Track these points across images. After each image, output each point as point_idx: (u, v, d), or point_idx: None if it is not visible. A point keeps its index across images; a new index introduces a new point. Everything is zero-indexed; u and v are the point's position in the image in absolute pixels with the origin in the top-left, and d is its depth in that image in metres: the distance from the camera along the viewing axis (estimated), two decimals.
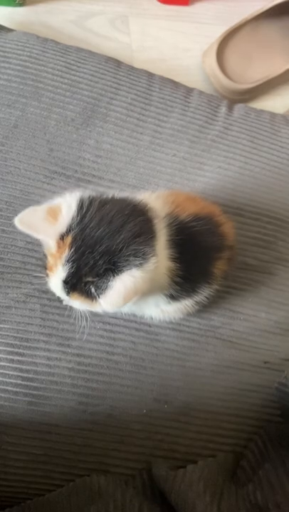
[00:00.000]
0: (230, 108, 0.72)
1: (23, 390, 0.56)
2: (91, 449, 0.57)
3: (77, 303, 0.46)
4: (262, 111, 0.74)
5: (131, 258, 0.42)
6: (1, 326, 0.57)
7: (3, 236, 0.61)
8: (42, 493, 0.55)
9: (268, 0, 0.86)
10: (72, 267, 0.43)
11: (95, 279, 0.43)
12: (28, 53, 0.64)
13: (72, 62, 0.66)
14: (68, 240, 0.43)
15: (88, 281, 0.43)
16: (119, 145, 0.65)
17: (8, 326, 0.57)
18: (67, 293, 0.45)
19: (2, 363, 0.56)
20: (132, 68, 0.70)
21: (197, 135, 0.68)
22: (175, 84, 0.72)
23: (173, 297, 0.51)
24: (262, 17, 0.87)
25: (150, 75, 0.70)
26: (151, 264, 0.42)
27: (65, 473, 0.56)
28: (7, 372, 0.56)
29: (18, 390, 0.55)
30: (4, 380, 0.55)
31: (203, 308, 0.62)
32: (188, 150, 0.67)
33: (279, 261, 0.69)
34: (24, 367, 0.56)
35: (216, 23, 0.91)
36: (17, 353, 0.57)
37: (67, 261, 0.43)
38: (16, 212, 0.60)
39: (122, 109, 0.65)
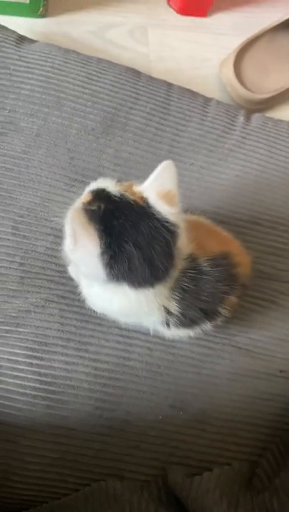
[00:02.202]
0: (247, 118, 0.73)
1: (42, 394, 0.56)
2: (107, 453, 0.57)
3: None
4: (280, 120, 0.75)
5: None
6: (21, 330, 0.59)
7: (24, 242, 0.62)
8: (58, 497, 0.56)
9: (285, 11, 0.87)
10: None
11: None
12: (51, 64, 0.66)
13: (92, 72, 0.67)
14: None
15: None
16: (138, 154, 0.66)
17: (27, 330, 0.58)
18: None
19: (21, 367, 0.57)
20: (151, 78, 0.71)
21: (215, 144, 0.69)
22: (193, 94, 0.73)
23: (169, 326, 0.52)
24: (279, 28, 0.88)
25: (169, 85, 0.71)
26: None
27: (81, 477, 0.57)
28: (26, 375, 0.57)
29: (36, 393, 0.56)
30: (23, 383, 0.56)
31: None
32: (205, 159, 0.68)
33: None
34: (43, 371, 0.57)
35: (234, 34, 0.92)
36: (36, 357, 0.57)
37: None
38: (36, 219, 0.63)
39: (141, 118, 0.67)
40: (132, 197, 0.44)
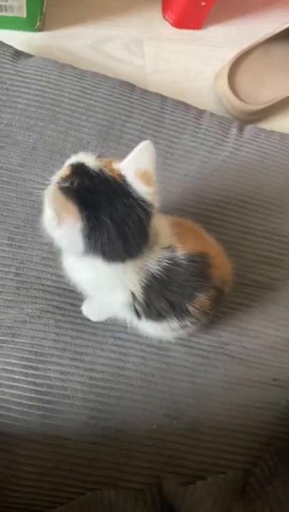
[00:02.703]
0: (240, 129, 0.74)
1: (37, 404, 0.57)
2: (101, 463, 0.58)
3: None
4: (272, 132, 0.76)
5: None
6: (17, 340, 0.59)
7: (20, 252, 0.63)
8: (53, 506, 0.56)
9: (279, 23, 0.88)
10: None
11: None
12: (47, 78, 0.68)
13: (87, 86, 0.69)
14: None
15: None
16: None
17: (23, 341, 0.59)
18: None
19: (17, 377, 0.58)
20: (145, 91, 0.72)
21: (208, 156, 0.70)
22: (187, 106, 0.74)
23: (139, 315, 0.52)
24: (273, 40, 0.89)
25: (163, 98, 0.73)
26: None
27: (76, 486, 0.57)
28: (21, 385, 0.57)
29: (31, 403, 0.57)
30: (19, 393, 0.57)
31: (213, 325, 0.64)
32: (199, 170, 0.69)
33: None
34: (38, 380, 0.58)
35: (228, 46, 0.93)
36: (31, 367, 0.58)
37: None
38: (33, 230, 0.64)
39: (135, 131, 0.68)
40: (110, 173, 0.45)
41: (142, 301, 0.50)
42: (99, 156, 0.47)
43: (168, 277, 0.49)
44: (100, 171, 0.45)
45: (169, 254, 0.50)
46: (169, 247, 0.50)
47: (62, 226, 0.44)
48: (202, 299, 0.51)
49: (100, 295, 0.56)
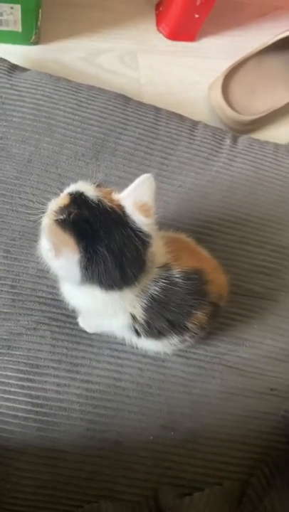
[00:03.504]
0: (234, 140, 0.75)
1: (33, 416, 0.57)
2: (99, 475, 0.58)
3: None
4: (266, 142, 0.77)
5: None
6: (13, 352, 0.59)
7: (16, 264, 0.63)
8: None
9: (271, 35, 0.89)
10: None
11: None
12: (42, 92, 0.68)
13: (82, 99, 0.69)
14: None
15: None
16: (127, 177, 0.67)
17: (19, 353, 0.59)
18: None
19: (13, 389, 0.58)
20: (139, 104, 0.73)
21: (202, 167, 0.70)
22: (181, 118, 0.75)
23: (138, 334, 0.53)
24: (266, 51, 0.90)
25: (157, 110, 0.73)
26: None
27: (73, 499, 0.57)
28: (17, 398, 0.57)
29: (28, 415, 0.57)
30: (15, 405, 0.57)
31: (209, 335, 0.64)
32: (193, 181, 0.70)
33: (284, 288, 0.70)
34: (34, 393, 0.58)
35: (222, 58, 0.94)
36: (27, 379, 0.58)
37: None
38: (28, 242, 0.64)
39: (130, 143, 0.68)
40: (109, 204, 0.45)
41: (142, 322, 0.51)
42: (98, 186, 0.48)
43: (166, 297, 0.50)
44: (99, 201, 0.45)
45: (164, 273, 0.50)
46: (164, 266, 0.50)
47: (59, 257, 0.44)
48: (199, 315, 0.52)
49: (100, 319, 0.56)
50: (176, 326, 0.52)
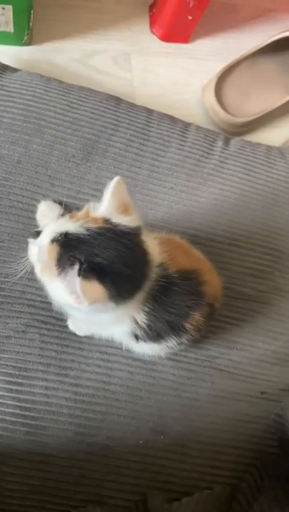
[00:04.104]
0: (226, 142, 0.74)
1: (21, 420, 0.56)
2: (87, 480, 0.57)
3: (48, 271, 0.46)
4: (258, 144, 0.77)
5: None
6: (1, 355, 0.59)
7: (4, 266, 0.62)
8: None
9: (265, 37, 0.89)
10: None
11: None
12: (32, 93, 0.68)
13: (73, 100, 0.69)
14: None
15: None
16: None
17: (7, 356, 0.59)
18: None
19: (1, 393, 0.57)
20: (131, 105, 0.73)
21: (194, 169, 0.70)
22: (173, 119, 0.74)
23: (138, 338, 0.52)
24: (259, 53, 0.90)
25: (149, 112, 0.73)
26: None
27: (62, 504, 0.56)
28: (5, 401, 0.57)
29: (15, 419, 0.56)
30: (2, 409, 0.56)
31: (200, 339, 0.63)
32: (185, 183, 0.69)
33: (276, 291, 0.70)
34: (22, 396, 0.57)
35: (215, 59, 0.94)
36: (15, 383, 0.58)
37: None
38: (17, 244, 0.63)
39: (121, 144, 0.68)
40: (96, 225, 0.45)
41: (144, 326, 0.50)
42: (70, 212, 0.47)
43: (166, 298, 0.49)
44: (88, 229, 0.45)
45: (162, 272, 0.49)
46: (161, 265, 0.50)
47: (92, 305, 0.43)
48: (197, 316, 0.51)
49: (102, 330, 0.56)
50: (174, 328, 0.51)
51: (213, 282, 0.54)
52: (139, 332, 0.51)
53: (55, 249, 0.45)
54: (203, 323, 0.52)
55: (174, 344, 0.53)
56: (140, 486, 0.58)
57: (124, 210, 0.46)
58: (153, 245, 0.50)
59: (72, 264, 0.43)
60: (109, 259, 0.44)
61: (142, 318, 0.50)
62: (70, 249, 0.44)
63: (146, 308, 0.49)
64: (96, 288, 0.43)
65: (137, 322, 0.50)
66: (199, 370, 0.64)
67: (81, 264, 0.43)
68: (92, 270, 0.43)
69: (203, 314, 0.52)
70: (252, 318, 0.68)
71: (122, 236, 0.45)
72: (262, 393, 0.65)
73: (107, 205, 0.46)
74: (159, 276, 0.49)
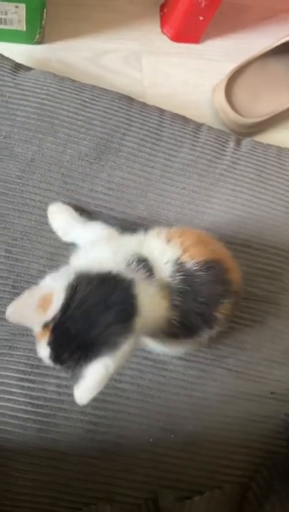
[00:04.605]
0: (238, 143, 0.75)
1: (33, 417, 0.57)
2: (98, 477, 0.57)
3: None
4: (269, 145, 0.77)
5: (103, 348, 0.43)
6: (13, 352, 0.59)
7: (17, 265, 0.63)
8: None
9: (275, 38, 0.89)
10: (53, 349, 0.44)
11: (72, 367, 0.44)
12: (46, 91, 0.68)
13: (86, 99, 0.69)
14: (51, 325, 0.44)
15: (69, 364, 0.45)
16: (131, 178, 0.67)
17: (19, 353, 0.59)
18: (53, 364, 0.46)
19: (13, 390, 0.57)
20: (143, 105, 0.73)
21: (206, 169, 0.70)
22: (185, 120, 0.75)
23: (170, 336, 0.52)
24: (270, 54, 0.90)
25: (161, 112, 0.73)
26: (127, 346, 0.44)
27: (72, 501, 0.57)
28: (18, 398, 0.57)
29: (27, 416, 0.57)
30: (15, 406, 0.57)
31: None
32: (197, 183, 0.70)
33: (286, 291, 0.70)
34: (34, 393, 0.58)
35: (225, 60, 0.94)
36: (28, 380, 0.58)
37: (49, 344, 0.44)
38: (30, 242, 0.64)
39: (133, 144, 0.68)
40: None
41: (177, 319, 0.49)
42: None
43: (192, 290, 0.49)
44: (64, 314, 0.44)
45: (179, 267, 0.49)
46: (177, 260, 0.50)
47: None
48: (226, 304, 0.51)
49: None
50: (206, 320, 0.51)
51: (235, 270, 0.54)
52: (174, 330, 0.50)
53: (46, 334, 0.45)
54: (231, 311, 0.52)
55: (205, 337, 0.52)
56: (150, 484, 0.58)
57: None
58: (158, 244, 0.51)
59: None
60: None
61: (173, 315, 0.49)
62: (56, 341, 0.45)
63: (176, 303, 0.49)
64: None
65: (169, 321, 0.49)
66: (209, 370, 0.64)
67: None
68: None
69: (232, 302, 0.52)
70: (262, 318, 0.68)
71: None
72: (271, 393, 0.65)
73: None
74: (178, 270, 0.49)
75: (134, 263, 0.48)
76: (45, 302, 0.45)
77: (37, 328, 0.45)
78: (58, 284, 0.46)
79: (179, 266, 0.50)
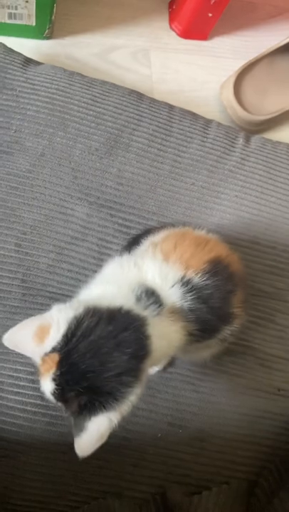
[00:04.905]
0: (247, 139, 0.75)
1: (42, 411, 0.57)
2: (106, 471, 0.57)
3: None
4: (278, 142, 0.77)
5: (111, 399, 0.40)
6: None
7: (27, 259, 0.63)
8: None
9: (284, 36, 0.89)
10: (58, 386, 0.41)
11: (74, 410, 0.41)
12: (56, 86, 0.68)
13: (97, 94, 0.69)
14: (55, 358, 0.41)
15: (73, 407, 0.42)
16: (140, 173, 0.67)
17: None
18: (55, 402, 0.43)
19: (22, 383, 0.58)
20: (153, 100, 0.73)
21: (215, 165, 0.70)
22: (194, 116, 0.75)
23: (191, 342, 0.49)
24: (278, 52, 0.90)
25: (171, 107, 0.73)
26: (134, 397, 0.42)
27: (80, 494, 0.57)
28: (27, 392, 0.57)
29: (37, 410, 0.57)
30: (24, 400, 0.57)
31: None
32: (206, 179, 0.70)
33: None
34: None
35: (233, 57, 0.94)
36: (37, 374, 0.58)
37: (54, 379, 0.41)
38: (39, 236, 0.64)
39: (143, 139, 0.68)
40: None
41: (196, 332, 0.47)
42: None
43: (205, 301, 0.47)
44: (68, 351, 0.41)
45: (188, 286, 0.47)
46: (182, 279, 0.47)
47: None
48: (238, 295, 0.50)
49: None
50: (224, 319, 0.50)
51: (235, 260, 0.53)
52: (197, 333, 0.48)
53: (52, 362, 0.42)
54: (243, 299, 0.51)
55: (228, 334, 0.51)
56: (158, 479, 0.58)
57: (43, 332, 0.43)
58: (156, 267, 0.48)
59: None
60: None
61: (191, 327, 0.47)
62: (59, 375, 0.41)
63: (191, 319, 0.46)
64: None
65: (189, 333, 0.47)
66: (216, 366, 0.64)
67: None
68: None
69: (243, 293, 0.51)
70: (269, 315, 0.68)
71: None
72: (279, 390, 0.65)
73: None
74: (187, 291, 0.47)
75: (144, 297, 0.45)
76: (42, 332, 0.42)
77: (37, 358, 0.43)
78: (63, 315, 0.43)
79: (187, 286, 0.47)
